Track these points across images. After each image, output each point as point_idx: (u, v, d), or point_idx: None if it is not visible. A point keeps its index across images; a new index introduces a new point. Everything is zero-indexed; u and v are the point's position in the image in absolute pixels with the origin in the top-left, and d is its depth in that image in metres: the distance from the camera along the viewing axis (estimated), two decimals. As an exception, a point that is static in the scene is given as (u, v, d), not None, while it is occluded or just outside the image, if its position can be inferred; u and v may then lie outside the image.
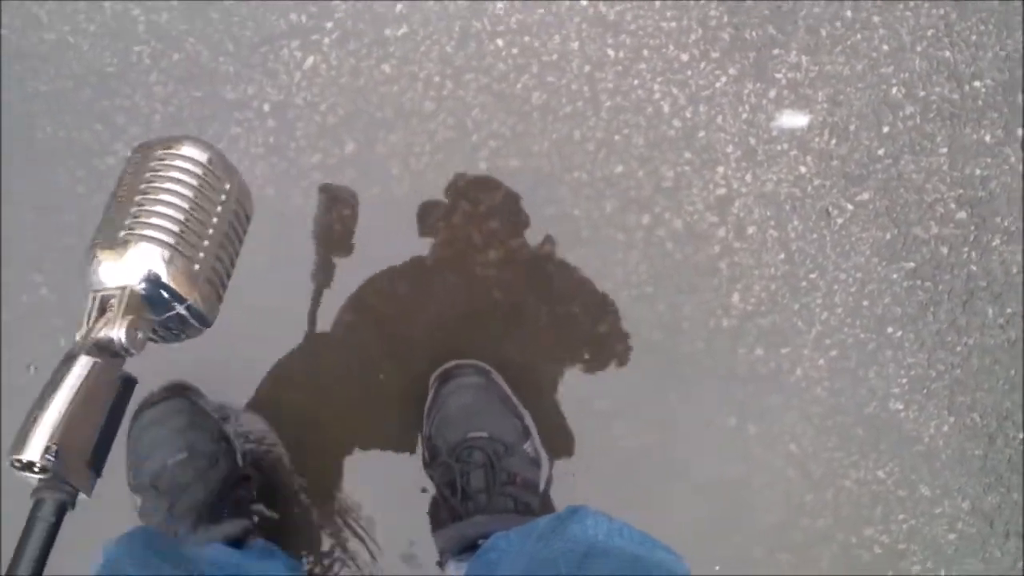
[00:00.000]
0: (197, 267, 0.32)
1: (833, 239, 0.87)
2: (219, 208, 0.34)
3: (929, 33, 0.86)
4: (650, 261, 0.86)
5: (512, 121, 0.84)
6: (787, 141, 0.86)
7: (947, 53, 0.86)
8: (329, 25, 0.82)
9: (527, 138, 0.85)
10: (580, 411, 0.86)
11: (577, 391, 0.86)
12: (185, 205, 0.33)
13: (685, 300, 0.87)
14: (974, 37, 0.86)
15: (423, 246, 0.84)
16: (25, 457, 0.28)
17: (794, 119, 0.86)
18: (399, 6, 0.82)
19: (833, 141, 0.86)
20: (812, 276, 0.88)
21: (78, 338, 0.31)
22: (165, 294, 0.32)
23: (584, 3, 0.83)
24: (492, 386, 0.81)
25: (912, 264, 0.88)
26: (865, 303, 0.88)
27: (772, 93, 0.85)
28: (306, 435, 0.85)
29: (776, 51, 0.85)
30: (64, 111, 0.81)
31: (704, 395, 0.87)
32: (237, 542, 0.72)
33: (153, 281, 0.31)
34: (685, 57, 0.85)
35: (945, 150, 0.87)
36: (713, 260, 0.87)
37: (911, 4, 0.86)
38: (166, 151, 0.34)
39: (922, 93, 0.86)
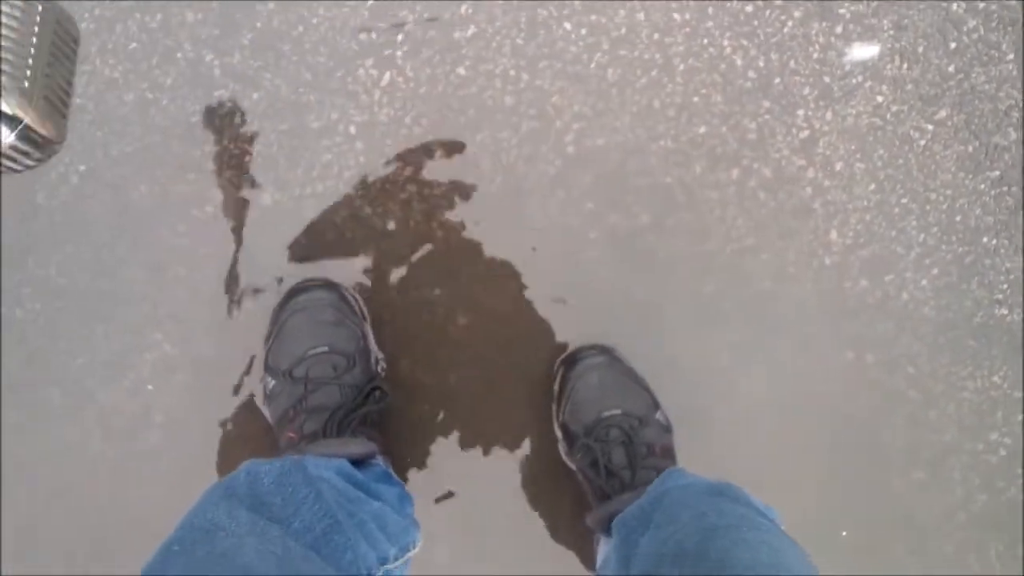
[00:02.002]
0: (27, 83, 0.36)
1: (918, 161, 0.89)
2: (35, 28, 0.37)
3: (980, -57, 0.87)
4: (747, 214, 0.87)
5: (591, 101, 0.85)
6: (860, 73, 0.87)
7: (1000, -40, 0.87)
8: (399, 38, 0.82)
9: (608, 115, 0.85)
10: (700, 370, 0.87)
11: (693, 352, 0.87)
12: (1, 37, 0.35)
13: (787, 245, 0.88)
14: (1024, -60, 0.87)
15: (527, 237, 0.85)
16: None
17: (864, 51, 0.87)
18: (464, 7, 0.82)
19: (904, 66, 0.87)
20: (904, 201, 0.89)
21: None
22: (3, 118, 0.35)
23: (643, -28, 0.84)
24: (616, 363, 0.82)
25: (997, 172, 0.90)
26: (958, 218, 0.90)
27: (839, 29, 0.86)
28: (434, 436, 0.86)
29: (836, -13, 0.86)
30: (155, 167, 0.81)
31: (818, 334, 0.89)
32: (358, 462, 0.72)
33: None
34: (749, 8, 0.85)
35: (1012, 56, 0.88)
36: (807, 202, 0.88)
37: (958, -82, 0.87)
38: None
39: (982, 4, 0.87)
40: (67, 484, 0.81)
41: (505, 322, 0.86)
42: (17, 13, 0.36)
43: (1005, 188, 0.90)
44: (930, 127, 0.89)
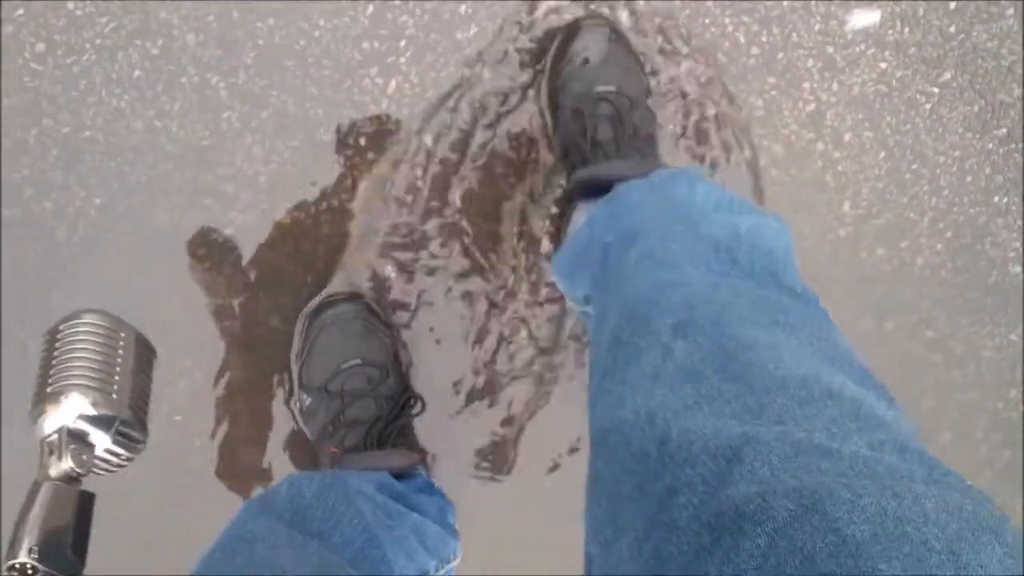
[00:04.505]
0: (116, 396, 0.42)
1: (926, 125, 0.89)
2: (120, 350, 0.44)
3: (974, -99, 0.86)
4: (760, 191, 0.88)
5: (597, 91, 0.85)
6: (863, 41, 0.87)
7: (995, -84, 0.87)
8: (402, 44, 0.82)
9: (615, 104, 0.86)
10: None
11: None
12: (90, 356, 0.43)
13: (802, 220, 0.89)
14: None
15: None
16: (17, 560, 0.38)
17: (865, 17, 0.87)
18: (463, 7, 0.82)
19: (906, 30, 0.87)
20: (914, 167, 0.90)
21: (39, 474, 0.41)
22: (99, 421, 0.42)
23: (640, -43, 0.84)
24: (621, 39, 0.81)
25: (1004, 130, 0.90)
26: (968, 179, 0.91)
27: (838, -2, 0.86)
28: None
29: (833, -44, 0.85)
30: (171, 194, 0.81)
31: (838, 304, 0.90)
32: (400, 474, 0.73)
33: (83, 416, 0.41)
34: (748, -15, 0.85)
35: (1012, 11, 0.88)
36: (818, 175, 0.89)
37: None
38: (64, 324, 0.44)
39: (980, -38, 0.87)
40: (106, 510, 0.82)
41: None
42: (103, 338, 0.44)
43: (1013, 145, 0.90)
44: (935, 90, 0.89)
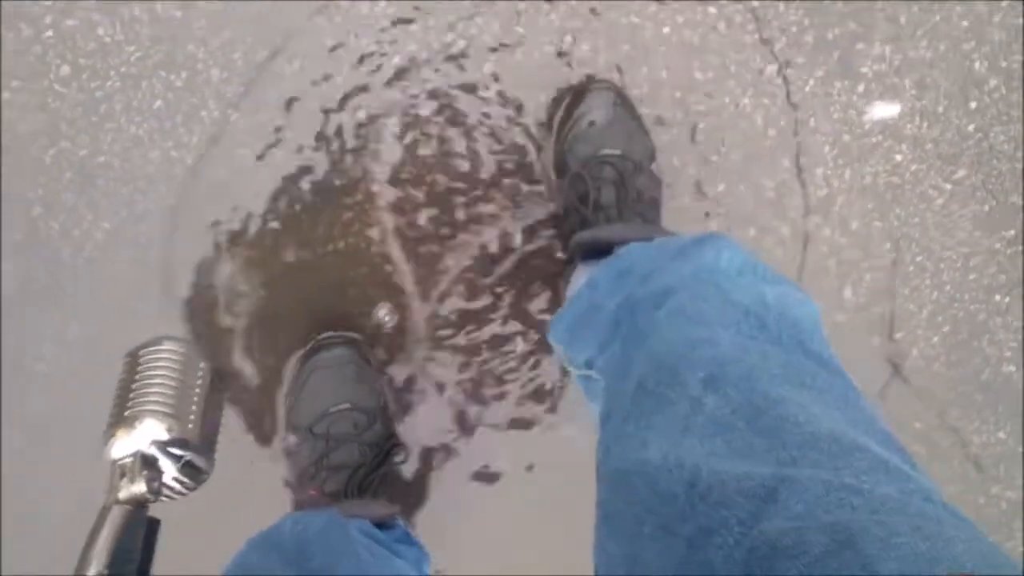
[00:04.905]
0: (191, 426, 0.43)
1: (935, 220, 0.89)
2: (198, 381, 0.45)
3: (1004, 3, 0.86)
4: (763, 271, 0.88)
5: (611, 158, 0.86)
6: (880, 132, 0.87)
7: (1022, 20, 0.87)
8: (423, 97, 0.82)
9: (628, 172, 0.86)
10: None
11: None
12: (170, 383, 0.43)
13: (802, 303, 0.89)
14: (1050, -1, 0.87)
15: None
16: None
17: (885, 110, 0.87)
18: (487, 66, 0.82)
19: (925, 125, 0.88)
20: (919, 259, 0.90)
21: (108, 497, 0.41)
22: (170, 448, 0.42)
23: (667, 31, 0.84)
24: (626, 103, 0.82)
25: (1013, 231, 0.90)
26: (972, 276, 0.91)
27: (860, 88, 0.86)
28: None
29: (859, 46, 0.85)
30: (180, 225, 0.82)
31: (829, 388, 0.91)
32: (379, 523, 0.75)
33: (156, 442, 0.42)
34: (772, 67, 0.85)
35: (1032, 115, 0.88)
36: (822, 259, 0.89)
37: (984, -24, 0.86)
38: (145, 350, 0.44)
39: (1004, 63, 0.87)
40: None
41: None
42: (181, 366, 0.44)
43: (1020, 247, 0.90)
44: (948, 186, 0.89)
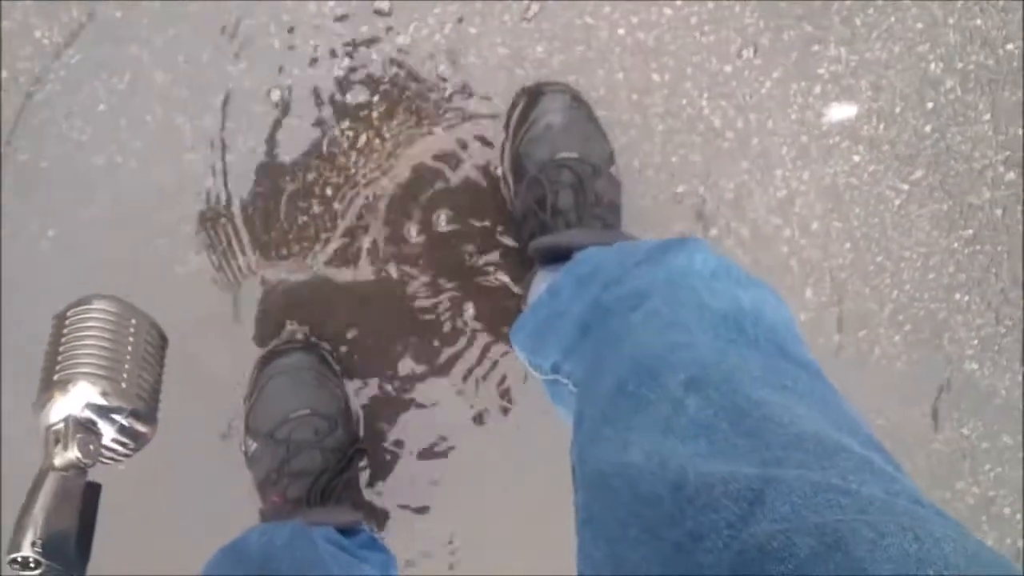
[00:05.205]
0: (124, 385, 0.41)
1: (894, 220, 0.90)
2: (131, 338, 0.43)
3: (959, 4, 0.87)
4: (724, 273, 0.88)
5: (570, 161, 0.85)
6: (838, 134, 0.87)
7: (978, 21, 0.87)
8: (375, 99, 0.81)
9: (587, 175, 0.85)
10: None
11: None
12: (99, 343, 0.41)
13: (763, 305, 0.89)
14: (1001, 2, 0.87)
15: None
16: (20, 554, 0.37)
17: (842, 111, 0.87)
18: (441, 67, 0.81)
19: (882, 126, 0.88)
20: (879, 259, 0.90)
21: (44, 463, 0.40)
22: (106, 411, 0.41)
23: (622, 32, 0.83)
24: (582, 106, 0.81)
25: (971, 231, 0.91)
26: (931, 275, 0.91)
27: (817, 89, 0.86)
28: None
29: (815, 47, 0.85)
30: (127, 231, 0.79)
31: (792, 390, 0.90)
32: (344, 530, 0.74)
33: (90, 404, 0.40)
34: (728, 68, 0.85)
35: (988, 116, 0.89)
36: (783, 260, 0.89)
37: (938, -23, 0.87)
38: (73, 310, 0.42)
39: (959, 64, 0.88)
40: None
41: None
42: (113, 325, 0.42)
43: (978, 247, 0.91)
44: (906, 187, 0.89)
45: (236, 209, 0.81)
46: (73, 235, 0.79)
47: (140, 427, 0.42)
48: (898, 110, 0.88)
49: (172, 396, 0.82)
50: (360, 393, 0.85)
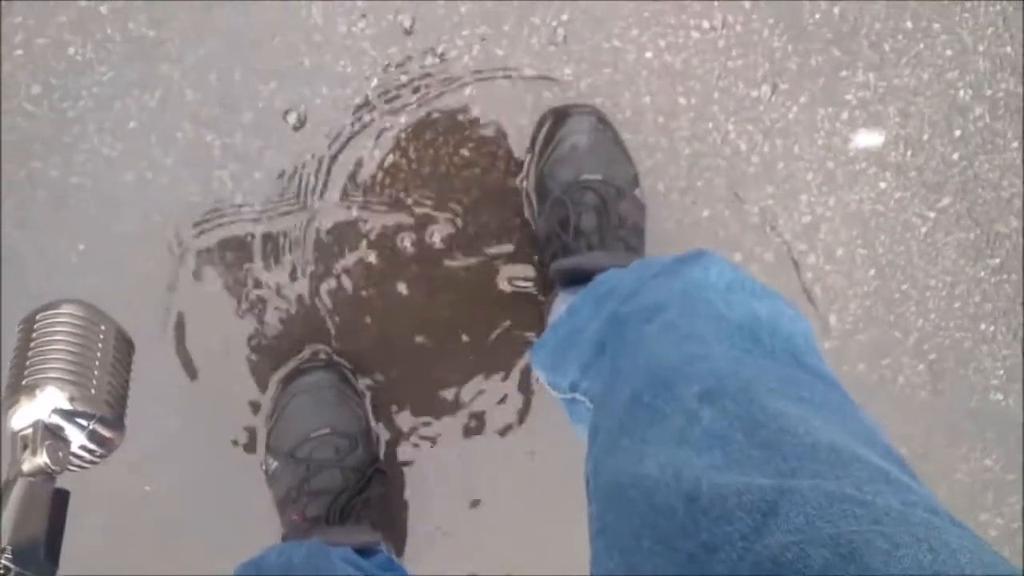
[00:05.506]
0: (93, 391, 0.41)
1: (920, 248, 0.89)
2: (99, 344, 0.42)
3: (989, 32, 0.86)
4: (747, 298, 0.87)
5: (595, 183, 0.85)
6: (865, 160, 0.87)
7: (1008, 48, 0.87)
8: (402, 120, 0.81)
9: (611, 197, 0.85)
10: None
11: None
12: (68, 348, 0.41)
13: (786, 330, 0.88)
14: (1033, 29, 0.87)
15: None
16: None
17: (869, 137, 0.87)
18: (468, 90, 0.81)
19: (909, 153, 0.87)
20: (904, 287, 0.89)
21: (11, 470, 0.39)
22: (74, 417, 0.40)
23: (649, 55, 0.83)
24: (608, 128, 0.81)
25: (997, 260, 0.90)
26: (957, 304, 0.90)
27: (844, 115, 0.86)
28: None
29: (843, 73, 0.85)
30: (155, 248, 0.80)
31: (814, 417, 0.89)
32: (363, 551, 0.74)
33: (58, 410, 0.40)
34: (755, 93, 0.85)
35: (1016, 144, 0.88)
36: (808, 286, 0.88)
37: (968, 5, 0.86)
38: (42, 314, 0.42)
39: (989, 92, 0.87)
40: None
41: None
42: (81, 330, 0.42)
43: (1005, 276, 0.90)
44: (932, 214, 0.89)
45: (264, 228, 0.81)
46: (103, 250, 0.80)
47: (107, 433, 0.42)
48: (926, 137, 0.87)
49: (195, 412, 0.84)
50: (380, 413, 0.86)
